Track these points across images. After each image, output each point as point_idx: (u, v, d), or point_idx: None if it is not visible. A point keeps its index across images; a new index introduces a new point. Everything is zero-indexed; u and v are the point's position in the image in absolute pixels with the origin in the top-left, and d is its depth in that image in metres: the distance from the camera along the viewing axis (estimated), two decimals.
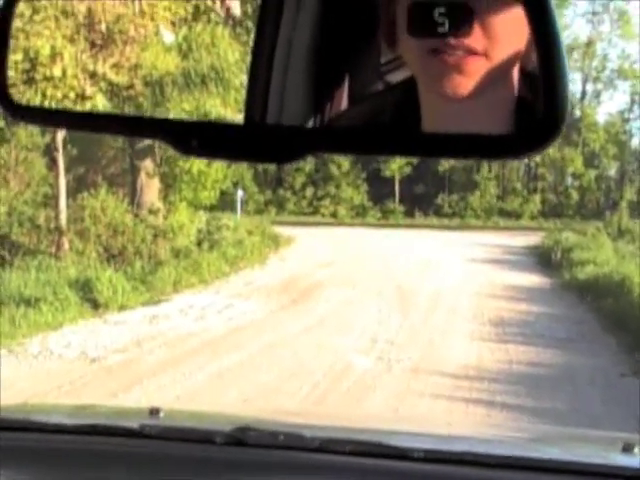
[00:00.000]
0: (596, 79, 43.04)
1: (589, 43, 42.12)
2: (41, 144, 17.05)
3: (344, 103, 1.17)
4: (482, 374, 8.55)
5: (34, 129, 16.40)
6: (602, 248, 19.92)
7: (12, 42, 1.10)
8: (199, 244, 18.01)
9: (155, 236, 16.27)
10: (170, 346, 9.60)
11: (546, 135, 0.88)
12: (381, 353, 9.38)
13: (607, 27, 42.82)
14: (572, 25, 42.16)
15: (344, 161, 38.26)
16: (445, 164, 38.15)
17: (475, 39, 0.98)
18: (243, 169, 32.83)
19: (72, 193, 16.29)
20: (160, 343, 9.73)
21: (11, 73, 1.09)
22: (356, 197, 39.28)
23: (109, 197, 16.42)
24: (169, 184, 18.32)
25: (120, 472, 1.63)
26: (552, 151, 36.72)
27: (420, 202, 39.16)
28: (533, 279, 17.15)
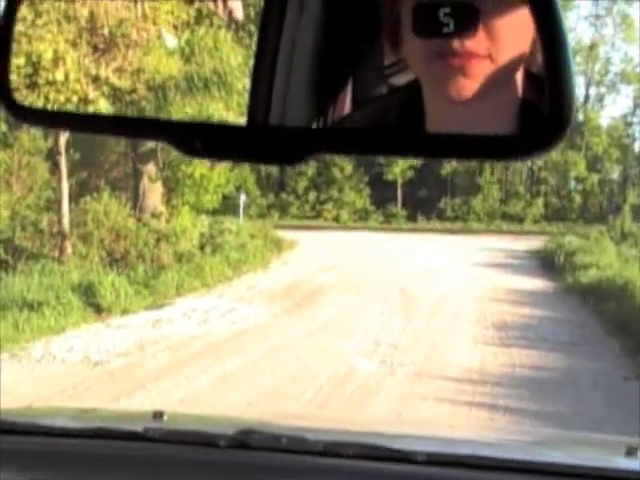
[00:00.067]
0: (599, 83, 43.00)
1: (592, 46, 42.04)
2: (44, 148, 17.04)
3: (347, 105, 1.17)
4: (485, 378, 8.54)
5: (37, 133, 16.42)
6: (605, 252, 19.91)
7: (14, 46, 1.10)
8: (202, 248, 18.01)
9: (158, 240, 16.28)
10: (173, 350, 9.59)
11: (551, 136, 0.88)
12: (384, 357, 9.37)
13: (610, 30, 42.74)
14: (576, 28, 41.89)
15: (347, 165, 38.27)
16: (448, 167, 38.12)
17: (479, 42, 0.99)
18: (246, 173, 32.86)
19: (75, 197, 16.30)
20: (163, 347, 9.72)
21: (13, 77, 1.09)
22: (359, 201, 39.26)
23: (112, 201, 16.43)
24: (172, 188, 18.33)
25: (124, 475, 1.63)
26: (555, 155, 36.71)
27: (423, 206, 39.12)
28: (536, 283, 17.14)
